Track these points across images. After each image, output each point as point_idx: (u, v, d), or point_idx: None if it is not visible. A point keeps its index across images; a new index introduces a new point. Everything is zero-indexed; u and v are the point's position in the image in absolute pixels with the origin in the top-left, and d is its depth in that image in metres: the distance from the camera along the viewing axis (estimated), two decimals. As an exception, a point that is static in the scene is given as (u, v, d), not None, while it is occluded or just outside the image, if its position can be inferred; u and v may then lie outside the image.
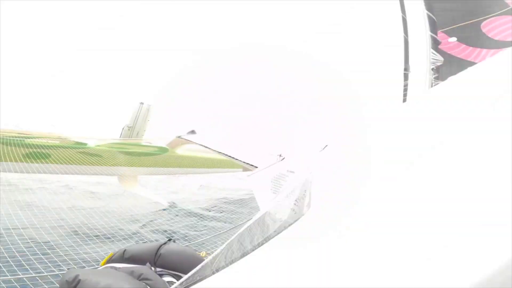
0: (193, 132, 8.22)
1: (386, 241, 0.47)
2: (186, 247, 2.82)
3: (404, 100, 7.79)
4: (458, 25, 5.21)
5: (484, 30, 5.06)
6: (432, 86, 5.97)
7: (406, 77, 7.28)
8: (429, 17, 5.34)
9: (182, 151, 8.43)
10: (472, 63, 5.44)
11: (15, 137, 5.46)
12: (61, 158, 5.73)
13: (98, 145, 6.70)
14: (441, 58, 5.48)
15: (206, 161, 8.97)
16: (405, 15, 6.76)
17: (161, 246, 1.80)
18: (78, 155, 5.97)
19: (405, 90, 7.42)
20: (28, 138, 5.61)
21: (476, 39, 5.18)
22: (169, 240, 2.30)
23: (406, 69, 7.09)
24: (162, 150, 7.60)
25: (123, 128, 7.44)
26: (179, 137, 7.85)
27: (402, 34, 6.97)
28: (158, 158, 7.55)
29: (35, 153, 5.39)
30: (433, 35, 5.37)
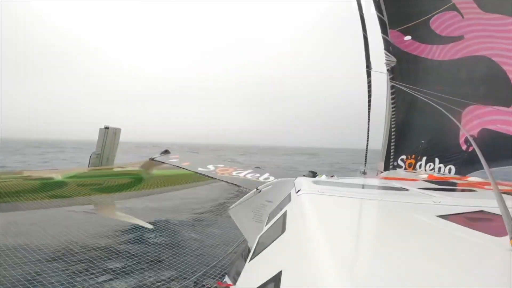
0: (166, 152, 8.08)
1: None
2: None
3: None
4: (412, 23, 5.38)
5: (432, 27, 5.25)
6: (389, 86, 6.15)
7: (368, 74, 7.45)
8: (379, 19, 5.47)
9: (156, 171, 8.27)
10: (426, 60, 5.65)
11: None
12: (29, 201, 5.51)
13: (65, 178, 6.45)
14: (394, 59, 5.66)
15: (183, 177, 8.85)
16: (363, 13, 6.90)
17: None
18: (47, 200, 5.75)
19: (369, 87, 7.60)
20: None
21: (427, 36, 5.38)
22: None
23: (368, 66, 7.25)
24: (137, 179, 7.40)
25: (90, 156, 7.20)
26: (152, 159, 7.69)
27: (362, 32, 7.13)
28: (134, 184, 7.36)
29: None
30: (385, 36, 5.52)
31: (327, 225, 0.96)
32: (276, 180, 2.61)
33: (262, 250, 1.05)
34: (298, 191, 1.61)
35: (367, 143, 8.52)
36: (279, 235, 1.04)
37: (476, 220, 1.13)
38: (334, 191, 1.50)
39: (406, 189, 1.74)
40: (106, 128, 7.16)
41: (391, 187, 1.94)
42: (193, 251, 5.32)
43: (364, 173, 9.27)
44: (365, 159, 9.21)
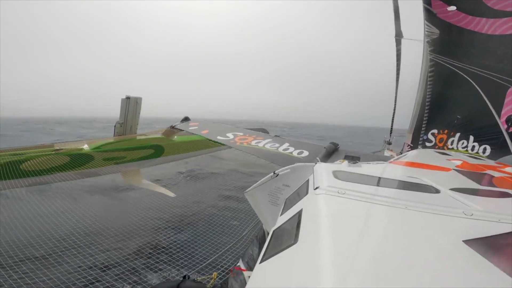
0: (186, 119, 8.06)
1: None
2: (201, 282, 2.94)
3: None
4: None
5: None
6: (428, 58, 5.69)
7: (398, 42, 6.88)
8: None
9: (178, 137, 8.35)
10: (472, 32, 5.11)
11: (9, 161, 5.41)
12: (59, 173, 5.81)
13: (93, 149, 6.64)
14: (437, 31, 5.14)
15: (204, 142, 8.89)
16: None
17: (178, 285, 1.93)
18: (77, 171, 6.02)
19: (398, 55, 7.09)
20: (23, 160, 5.54)
21: (475, 8, 4.79)
22: (184, 278, 2.43)
23: (398, 35, 6.67)
24: (158, 150, 7.54)
25: (115, 126, 7.30)
26: (172, 127, 7.72)
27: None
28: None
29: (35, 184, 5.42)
30: (427, 6, 4.94)
31: (339, 245, 0.95)
32: (294, 165, 2.53)
33: (273, 255, 1.06)
34: (317, 188, 1.50)
35: (394, 113, 8.26)
36: (291, 244, 1.05)
37: (506, 247, 1.07)
38: (355, 192, 1.41)
39: (438, 191, 1.60)
40: (128, 98, 7.14)
41: (421, 185, 1.72)
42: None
43: (389, 143, 9.18)
44: (391, 128, 9.02)
